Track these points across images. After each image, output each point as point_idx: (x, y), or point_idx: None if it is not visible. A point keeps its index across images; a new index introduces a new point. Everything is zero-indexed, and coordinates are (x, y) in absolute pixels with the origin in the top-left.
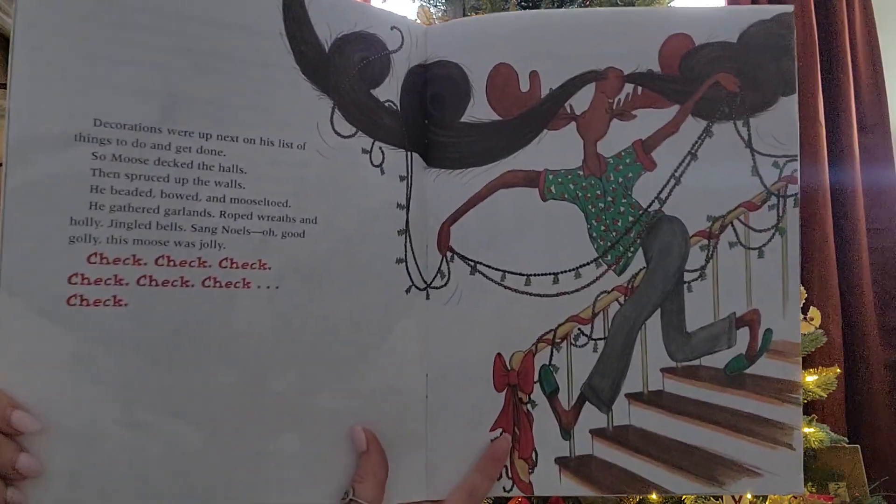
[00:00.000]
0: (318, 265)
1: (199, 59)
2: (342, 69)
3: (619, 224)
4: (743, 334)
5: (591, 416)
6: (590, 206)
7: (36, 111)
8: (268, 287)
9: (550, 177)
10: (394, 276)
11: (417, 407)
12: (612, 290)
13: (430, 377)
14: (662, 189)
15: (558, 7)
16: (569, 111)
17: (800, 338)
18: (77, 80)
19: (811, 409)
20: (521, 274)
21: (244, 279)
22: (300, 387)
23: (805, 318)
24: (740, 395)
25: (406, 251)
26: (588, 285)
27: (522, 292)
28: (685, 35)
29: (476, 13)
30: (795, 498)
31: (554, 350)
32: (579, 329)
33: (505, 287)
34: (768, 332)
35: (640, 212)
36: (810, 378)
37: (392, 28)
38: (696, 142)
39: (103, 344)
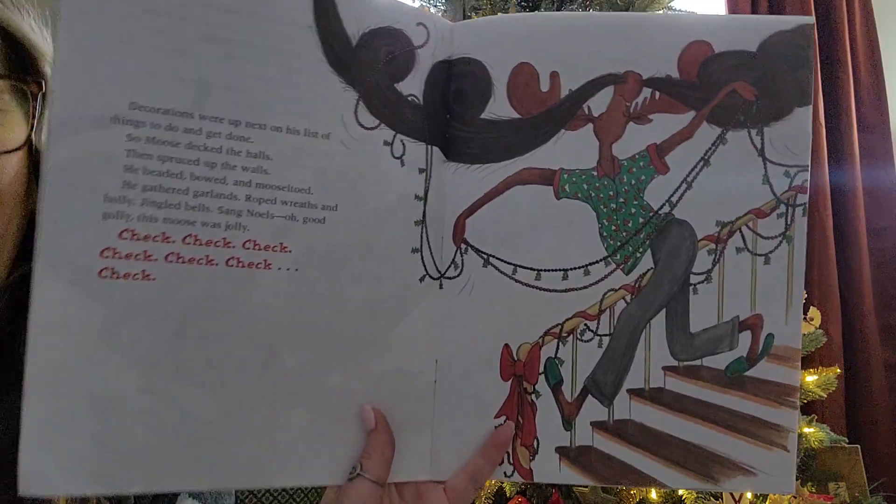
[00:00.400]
0: (336, 251)
1: (231, 49)
2: (368, 63)
3: (630, 225)
4: (745, 338)
5: (592, 409)
6: (602, 206)
7: (76, 94)
8: (287, 269)
9: (565, 176)
10: (409, 264)
11: (426, 391)
12: (620, 288)
13: (440, 363)
14: (674, 193)
15: (558, 8)
16: (587, 112)
17: (801, 344)
18: (115, 65)
19: (811, 409)
20: (531, 269)
21: (265, 260)
22: (313, 365)
23: (805, 318)
24: (739, 397)
25: (422, 241)
26: (596, 283)
27: (532, 286)
28: (705, 42)
29: (476, 13)
30: (795, 497)
31: (560, 343)
32: (585, 325)
33: (516, 280)
34: (770, 336)
35: (651, 214)
36: (810, 378)
37: (418, 24)
38: (710, 148)
39: (130, 315)
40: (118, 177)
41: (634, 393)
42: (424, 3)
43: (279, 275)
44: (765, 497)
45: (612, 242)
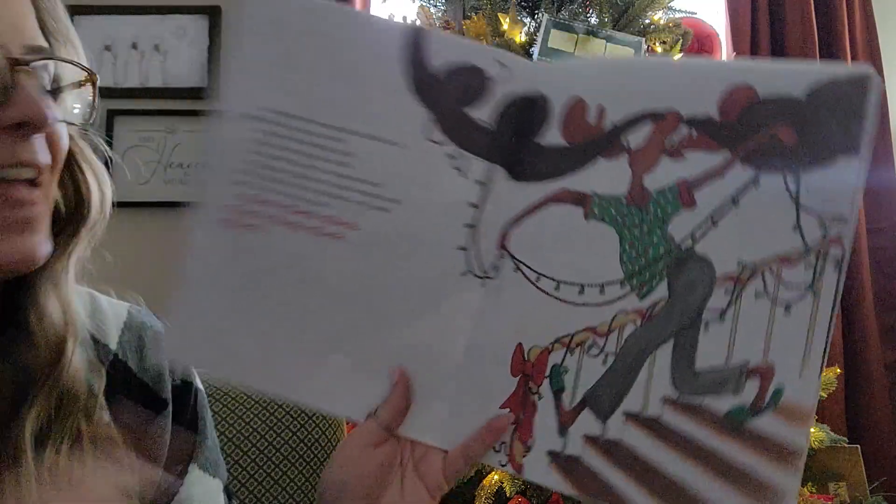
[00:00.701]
0: (395, 236)
1: (336, 72)
2: (446, 91)
3: (650, 253)
4: (753, 385)
5: (587, 423)
6: (626, 232)
7: (232, 97)
8: (355, 243)
9: (596, 200)
10: (452, 259)
11: (450, 369)
12: (632, 311)
13: (468, 349)
14: (698, 228)
15: (558, 9)
16: (624, 144)
17: (814, 404)
18: (257, 79)
19: None
20: (552, 279)
21: (339, 233)
22: (361, 323)
23: None
24: (736, 446)
25: (468, 242)
26: (609, 302)
27: (551, 295)
28: (749, 87)
29: (476, 13)
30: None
31: (568, 353)
32: (594, 340)
33: (537, 287)
34: (779, 390)
35: (672, 245)
36: None
37: (497, 62)
38: (741, 189)
39: (240, 253)
40: (246, 157)
41: (630, 416)
42: (424, 3)
43: (347, 246)
44: None
45: (630, 267)
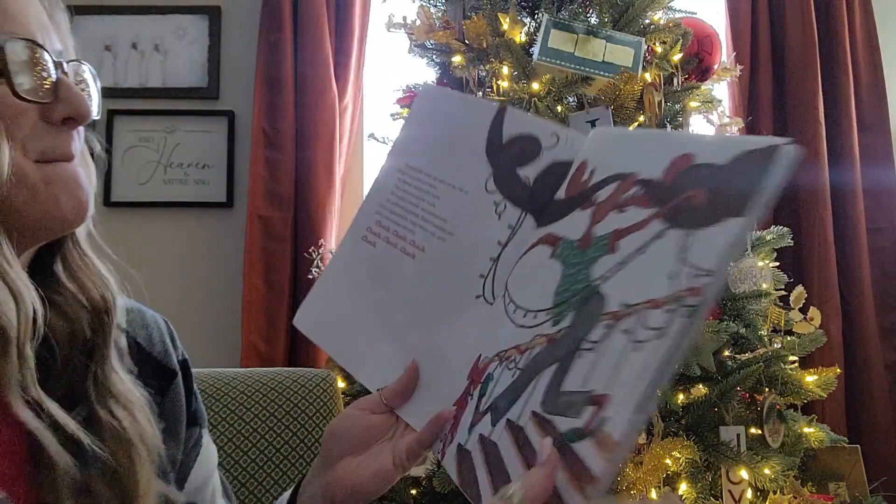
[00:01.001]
0: (442, 260)
1: (449, 140)
2: (506, 153)
3: (572, 288)
4: (590, 412)
5: (486, 424)
6: (567, 269)
7: (393, 155)
8: (418, 261)
9: (562, 243)
10: (472, 283)
11: (449, 372)
12: (544, 335)
13: (465, 358)
14: (610, 270)
15: (558, 8)
16: (594, 199)
17: (628, 440)
18: (407, 144)
19: (811, 409)
20: (515, 303)
21: (414, 253)
22: (407, 322)
23: (805, 319)
24: (559, 465)
25: (488, 272)
26: (534, 326)
27: (508, 317)
28: (690, 154)
29: (476, 13)
30: (796, 498)
31: (499, 365)
32: (515, 356)
33: (504, 309)
34: (605, 420)
35: (587, 283)
36: (810, 378)
37: (553, 134)
38: (651, 240)
39: (358, 259)
40: (387, 195)
41: (507, 424)
42: (424, 3)
43: (415, 262)
44: (764, 496)
45: (557, 298)
